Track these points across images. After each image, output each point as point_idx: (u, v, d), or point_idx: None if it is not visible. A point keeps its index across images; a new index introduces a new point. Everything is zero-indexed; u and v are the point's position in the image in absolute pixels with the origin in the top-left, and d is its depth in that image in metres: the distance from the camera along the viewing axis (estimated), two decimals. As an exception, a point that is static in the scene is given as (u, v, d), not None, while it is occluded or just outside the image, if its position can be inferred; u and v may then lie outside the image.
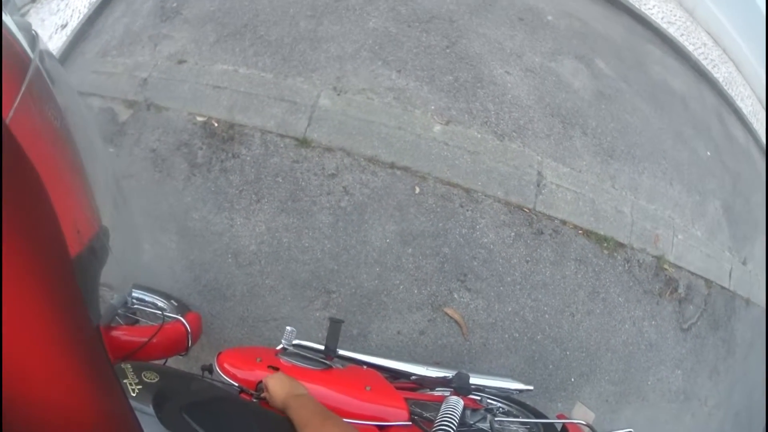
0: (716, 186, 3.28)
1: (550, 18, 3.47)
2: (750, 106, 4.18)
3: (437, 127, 2.60)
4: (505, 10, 3.40)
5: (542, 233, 2.54)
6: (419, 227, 2.39)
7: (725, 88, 4.18)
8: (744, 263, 3.23)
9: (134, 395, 0.92)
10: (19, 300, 0.41)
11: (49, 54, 0.82)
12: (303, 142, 2.65)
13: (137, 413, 0.81)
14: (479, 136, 2.51)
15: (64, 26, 5.47)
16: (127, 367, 0.98)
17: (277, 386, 1.15)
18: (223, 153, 2.90)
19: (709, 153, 3.37)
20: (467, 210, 2.36)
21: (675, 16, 4.73)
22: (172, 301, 2.13)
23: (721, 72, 4.33)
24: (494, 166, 2.41)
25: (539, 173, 2.56)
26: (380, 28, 3.13)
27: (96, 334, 0.60)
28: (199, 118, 3.17)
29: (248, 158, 2.81)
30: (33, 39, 0.77)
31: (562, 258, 2.55)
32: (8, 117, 0.52)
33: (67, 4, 5.84)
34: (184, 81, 3.51)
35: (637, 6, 4.20)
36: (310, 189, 2.62)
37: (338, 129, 2.66)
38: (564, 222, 2.58)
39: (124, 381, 0.96)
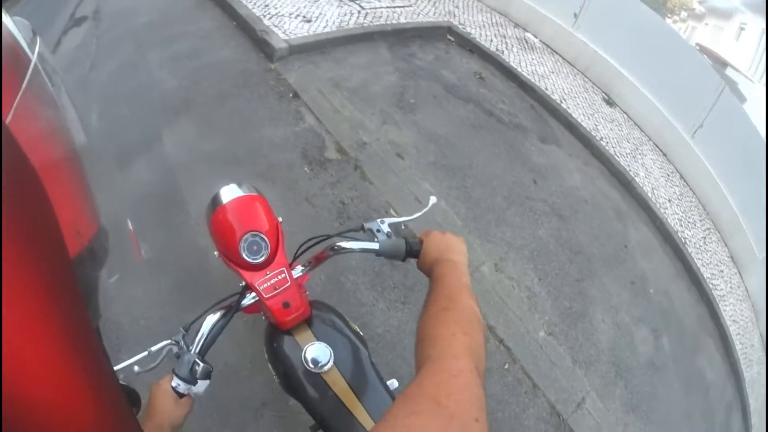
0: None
1: (651, 291, 4.18)
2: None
3: (541, 333, 3.11)
4: (628, 270, 4.12)
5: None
6: (490, 392, 2.79)
7: (747, 386, 4.72)
8: None
9: None
10: (18, 300, 0.41)
11: (49, 55, 0.82)
12: (455, 291, 3.13)
13: None
14: (562, 353, 3.09)
15: (308, 21, 6.29)
16: None
17: (432, 245, 1.13)
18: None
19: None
20: (527, 397, 2.87)
21: (742, 315, 5.48)
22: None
23: (751, 372, 4.95)
24: (560, 380, 2.97)
25: (583, 398, 3.03)
26: (544, 239, 3.77)
27: (96, 333, 0.58)
28: (392, 212, 3.58)
29: (411, 271, 3.05)
30: (33, 39, 0.79)
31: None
32: (8, 117, 0.52)
33: (321, 11, 6.82)
34: (395, 174, 3.93)
35: (715, 301, 4.94)
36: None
37: (482, 293, 3.14)
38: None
39: None
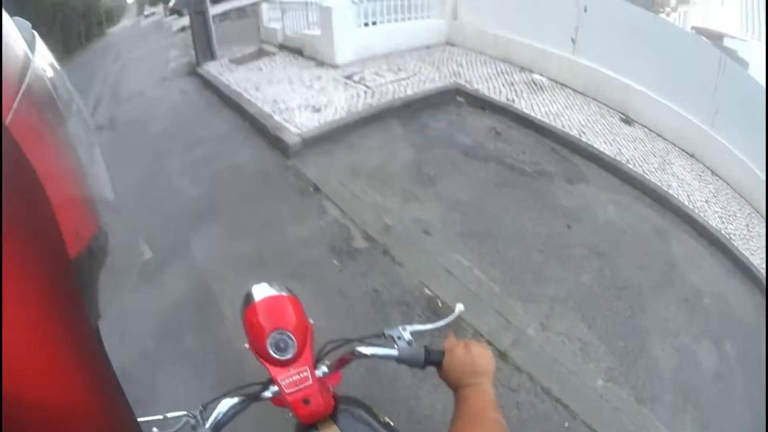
0: None
1: (706, 301, 4.09)
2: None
3: (600, 382, 3.06)
4: (679, 289, 4.06)
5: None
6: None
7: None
8: None
9: None
10: (18, 301, 0.42)
11: (50, 56, 0.84)
12: (502, 355, 3.04)
13: None
14: (625, 396, 3.04)
15: (317, 110, 6.50)
16: None
17: (456, 363, 1.13)
18: (438, 331, 3.40)
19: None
20: (594, 451, 2.84)
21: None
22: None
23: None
24: (626, 424, 2.89)
25: (650, 434, 2.97)
26: (588, 284, 3.77)
27: (96, 334, 0.61)
28: (427, 291, 3.55)
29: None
30: (32, 39, 0.77)
31: None
32: (8, 118, 0.50)
33: (329, 99, 6.98)
34: (424, 252, 3.96)
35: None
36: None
37: (531, 356, 3.10)
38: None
39: None
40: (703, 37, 8.23)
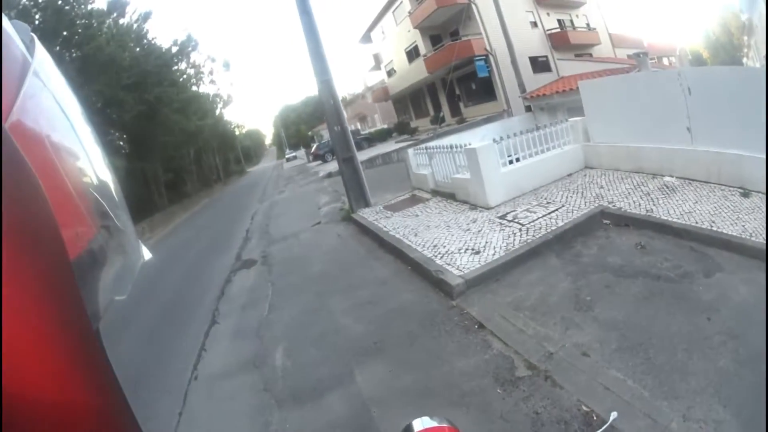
0: None
1: None
2: None
3: None
4: None
5: None
6: None
7: None
8: None
9: None
10: (18, 302, 0.43)
11: (48, 57, 0.84)
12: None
13: None
14: None
15: (477, 252, 7.22)
16: None
17: None
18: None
19: None
20: None
21: None
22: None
23: None
24: None
25: None
26: (724, 367, 3.84)
27: (96, 335, 0.61)
28: (584, 408, 3.77)
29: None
30: (31, 42, 0.79)
31: None
32: (7, 121, 0.52)
33: (486, 240, 7.65)
34: (583, 372, 4.21)
35: None
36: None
37: None
38: None
39: None
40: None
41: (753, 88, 6.72)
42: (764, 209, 6.56)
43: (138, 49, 31.65)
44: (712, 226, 6.41)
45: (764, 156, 6.70)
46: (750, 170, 7.03)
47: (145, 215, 28.45)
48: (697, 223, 6.64)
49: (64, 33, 24.97)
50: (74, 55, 25.33)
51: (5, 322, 0.43)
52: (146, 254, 1.16)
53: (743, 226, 6.19)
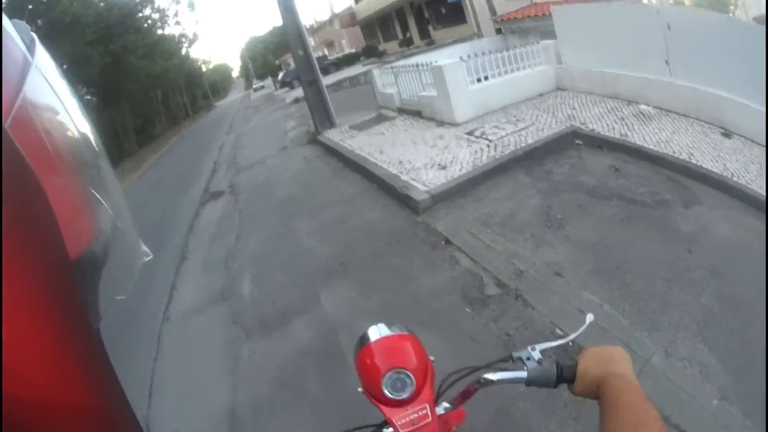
0: None
1: None
2: None
3: (714, 402, 3.09)
4: None
5: None
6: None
7: None
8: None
9: None
10: (19, 302, 0.43)
11: (48, 58, 0.84)
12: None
13: None
14: (734, 412, 3.02)
15: (443, 167, 7.00)
16: None
17: (591, 362, 1.03)
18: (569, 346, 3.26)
19: None
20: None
21: None
22: None
23: None
24: None
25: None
26: (708, 305, 3.81)
27: (96, 335, 0.61)
28: (558, 331, 3.66)
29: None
30: (32, 42, 0.78)
31: None
32: (7, 122, 0.51)
33: (453, 155, 7.52)
34: (555, 293, 4.12)
35: None
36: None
37: (655, 384, 3.16)
38: None
39: None
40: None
41: (735, 36, 6.71)
42: (746, 153, 6.53)
43: (102, 4, 30.80)
44: (690, 158, 6.32)
45: (748, 102, 6.66)
46: (732, 113, 6.96)
47: (115, 165, 28.06)
48: (675, 153, 6.52)
49: (29, 6, 24.16)
50: (40, 23, 24.23)
51: (5, 322, 0.42)
52: (147, 254, 1.18)
53: (724, 164, 6.16)
